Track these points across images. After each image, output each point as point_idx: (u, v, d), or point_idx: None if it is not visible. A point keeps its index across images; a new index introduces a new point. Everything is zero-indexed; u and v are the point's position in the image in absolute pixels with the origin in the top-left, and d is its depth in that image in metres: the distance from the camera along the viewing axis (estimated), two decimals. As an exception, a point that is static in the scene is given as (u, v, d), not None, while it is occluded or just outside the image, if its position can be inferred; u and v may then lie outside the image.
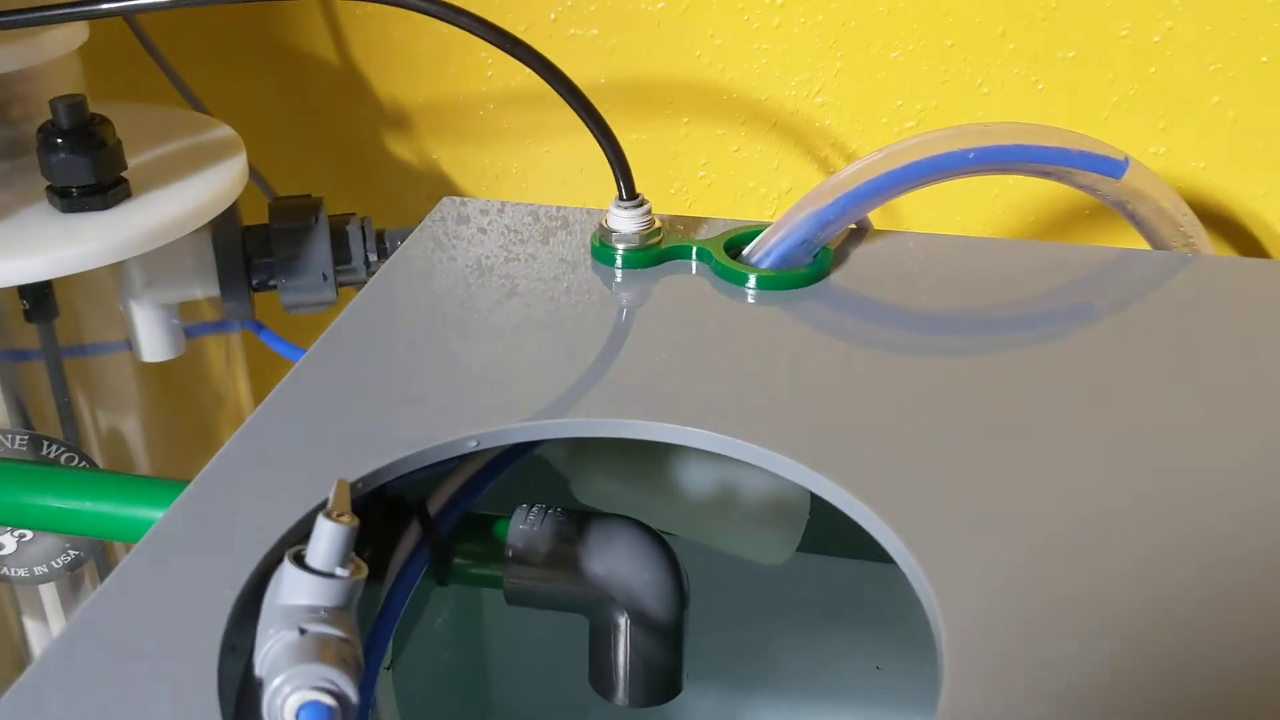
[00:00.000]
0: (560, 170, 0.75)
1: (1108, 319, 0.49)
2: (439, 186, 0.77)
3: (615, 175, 0.50)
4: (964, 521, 0.36)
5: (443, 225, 0.56)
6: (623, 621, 0.42)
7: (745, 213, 0.73)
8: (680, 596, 0.42)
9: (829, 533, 0.52)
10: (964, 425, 0.41)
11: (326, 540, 0.32)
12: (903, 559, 0.35)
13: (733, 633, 0.61)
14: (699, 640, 0.60)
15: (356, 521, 0.32)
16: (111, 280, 0.60)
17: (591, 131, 0.49)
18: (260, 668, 0.31)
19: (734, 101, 0.71)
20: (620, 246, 0.51)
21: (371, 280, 0.51)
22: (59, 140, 0.53)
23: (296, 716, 0.29)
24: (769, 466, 0.40)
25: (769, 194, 0.73)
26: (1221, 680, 0.31)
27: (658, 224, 0.51)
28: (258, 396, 0.70)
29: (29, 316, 0.58)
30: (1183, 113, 0.66)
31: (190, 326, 0.63)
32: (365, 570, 0.33)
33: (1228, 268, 0.54)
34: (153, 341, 0.61)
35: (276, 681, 0.30)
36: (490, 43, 0.48)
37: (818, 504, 0.50)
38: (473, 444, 0.40)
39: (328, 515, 0.32)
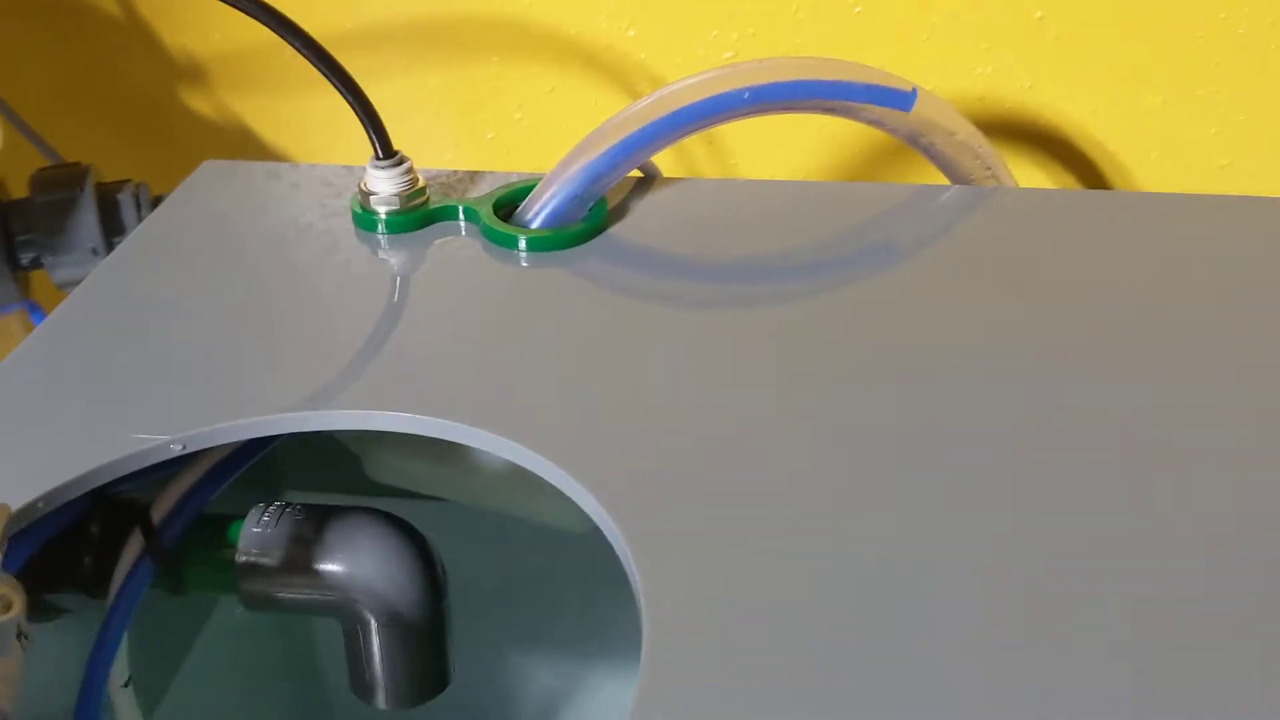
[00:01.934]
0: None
1: (904, 262, 0.46)
2: (242, 141, 0.72)
3: (368, 133, 0.46)
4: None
5: (198, 194, 0.52)
6: (372, 622, 0.39)
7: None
8: (434, 590, 0.39)
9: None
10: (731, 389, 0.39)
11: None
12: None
13: (555, 600, 0.58)
14: (516, 611, 0.58)
15: (-1, 556, 0.29)
16: None
17: (335, 87, 0.45)
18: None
19: (544, 38, 0.67)
20: (382, 210, 0.47)
21: (107, 260, 0.47)
22: None
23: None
24: (509, 456, 0.37)
25: (588, 135, 0.69)
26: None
27: (421, 183, 0.48)
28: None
29: None
30: (1005, 31, 0.63)
31: (-45, 313, 0.58)
32: (17, 605, 0.29)
33: (1027, 199, 0.52)
34: (-86, 332, 0.57)
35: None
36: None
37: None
38: (178, 448, 0.36)
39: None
